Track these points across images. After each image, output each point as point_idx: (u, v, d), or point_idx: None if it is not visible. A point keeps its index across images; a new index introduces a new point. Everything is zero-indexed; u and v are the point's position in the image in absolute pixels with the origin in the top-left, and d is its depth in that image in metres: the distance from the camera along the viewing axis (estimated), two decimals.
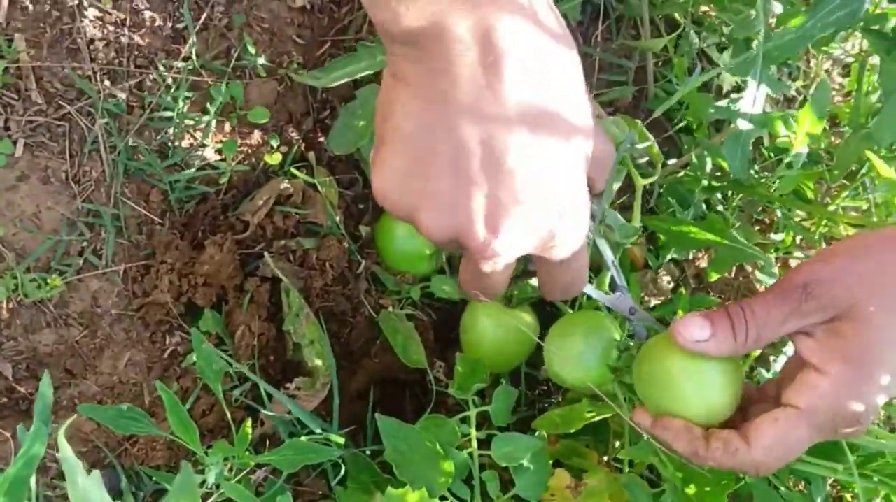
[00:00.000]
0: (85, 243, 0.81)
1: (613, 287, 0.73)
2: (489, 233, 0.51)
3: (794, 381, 0.59)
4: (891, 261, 0.57)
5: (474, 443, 0.73)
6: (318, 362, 0.83)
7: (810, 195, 1.09)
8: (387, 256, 0.93)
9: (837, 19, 0.76)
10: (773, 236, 1.10)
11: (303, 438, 0.72)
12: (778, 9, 0.88)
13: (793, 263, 1.17)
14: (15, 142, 0.79)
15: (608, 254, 0.71)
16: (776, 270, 0.91)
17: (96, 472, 0.52)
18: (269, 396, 0.81)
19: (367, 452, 0.83)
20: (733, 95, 0.82)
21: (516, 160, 0.49)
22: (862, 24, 0.85)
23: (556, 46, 0.50)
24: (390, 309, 0.91)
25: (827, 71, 1.24)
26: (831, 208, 1.04)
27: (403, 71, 0.50)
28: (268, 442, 0.81)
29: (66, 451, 0.51)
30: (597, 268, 0.73)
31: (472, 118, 0.48)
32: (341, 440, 0.74)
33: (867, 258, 0.57)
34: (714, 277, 0.95)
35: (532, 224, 0.52)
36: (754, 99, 0.79)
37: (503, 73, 0.47)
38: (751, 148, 0.82)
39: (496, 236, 0.51)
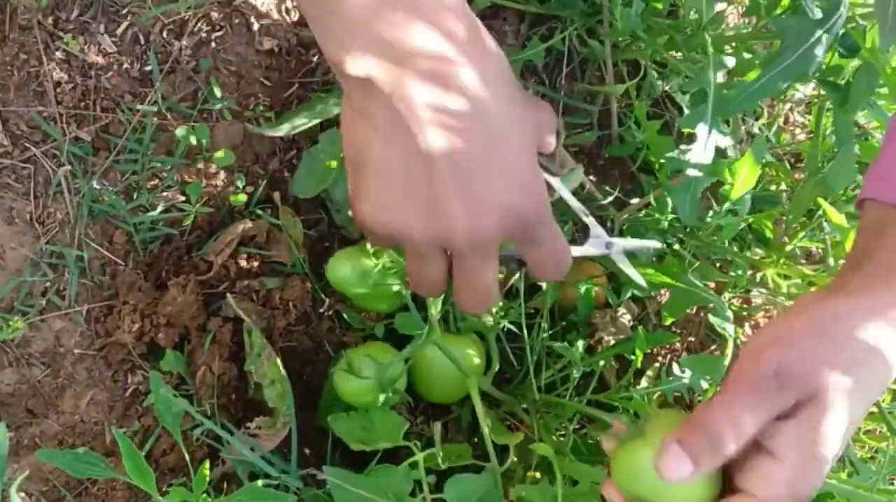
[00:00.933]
0: (48, 284, 0.82)
1: (586, 234, 0.74)
2: (472, 223, 0.57)
3: (750, 469, 0.58)
4: (845, 342, 0.57)
5: (426, 489, 0.74)
6: (279, 402, 0.85)
7: (769, 234, 1.12)
8: (351, 295, 0.94)
9: (789, 75, 0.78)
10: (732, 274, 1.12)
11: (260, 482, 0.73)
12: (731, 62, 0.90)
13: (754, 299, 1.19)
14: None
15: (575, 203, 0.72)
16: (730, 313, 0.93)
17: None
18: (231, 434, 0.82)
19: (328, 491, 0.84)
20: (682, 146, 0.84)
21: (477, 165, 0.55)
22: (818, 75, 0.88)
23: (488, 65, 0.56)
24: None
25: (790, 109, 1.27)
26: (788, 248, 1.07)
27: (361, 105, 0.55)
28: (227, 483, 0.82)
29: None
30: None
31: (433, 138, 0.54)
32: (299, 484, 0.75)
33: (828, 339, 0.57)
34: (668, 321, 0.97)
35: (505, 204, 0.57)
36: (704, 147, 0.81)
37: (456, 101, 0.54)
38: (700, 195, 0.84)
39: (478, 224, 0.57)
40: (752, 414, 0.56)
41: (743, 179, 0.83)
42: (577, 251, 0.72)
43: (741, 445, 0.56)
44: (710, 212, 1.09)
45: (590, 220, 0.73)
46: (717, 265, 1.15)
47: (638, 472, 0.62)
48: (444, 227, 0.57)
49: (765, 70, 0.77)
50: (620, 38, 1.07)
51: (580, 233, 0.75)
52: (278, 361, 0.85)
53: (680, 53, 1.04)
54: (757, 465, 0.57)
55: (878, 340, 0.57)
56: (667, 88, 1.14)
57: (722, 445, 0.56)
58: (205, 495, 0.74)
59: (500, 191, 0.57)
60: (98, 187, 0.83)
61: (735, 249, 1.13)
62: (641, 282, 0.79)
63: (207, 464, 0.74)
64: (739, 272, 1.10)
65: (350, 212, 0.60)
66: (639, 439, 0.64)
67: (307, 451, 0.90)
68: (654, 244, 0.78)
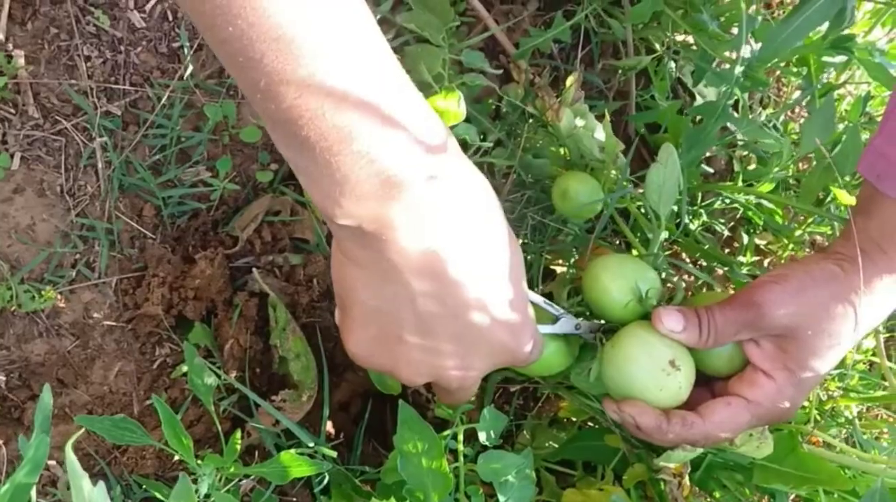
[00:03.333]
0: (78, 255, 0.82)
1: (557, 319, 0.77)
2: (463, 370, 0.63)
3: (743, 378, 0.72)
4: (827, 298, 0.70)
5: (461, 459, 0.75)
6: (304, 375, 0.86)
7: (779, 220, 1.14)
8: None
9: (824, 15, 0.80)
10: (740, 258, 1.14)
11: (292, 451, 0.74)
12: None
13: None
14: (12, 156, 0.81)
15: (536, 297, 0.75)
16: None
17: (101, 483, 0.54)
18: (257, 406, 0.83)
19: (352, 464, 0.85)
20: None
21: (469, 312, 0.60)
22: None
23: (481, 210, 0.59)
24: None
25: (796, 100, 1.29)
26: (797, 233, 1.09)
27: (353, 253, 0.57)
28: (256, 453, 0.83)
29: (73, 463, 0.53)
30: None
31: (426, 289, 0.57)
32: (333, 453, 0.76)
33: (813, 290, 0.70)
34: None
35: (492, 354, 0.64)
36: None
37: (445, 252, 0.56)
38: None
39: (469, 372, 0.63)
40: (730, 326, 0.70)
41: None
42: (546, 329, 0.76)
43: (715, 343, 0.71)
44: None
45: (555, 309, 0.76)
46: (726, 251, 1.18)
47: (629, 370, 0.73)
48: (433, 373, 0.63)
49: (800, 10, 0.78)
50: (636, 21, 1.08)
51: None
52: (303, 335, 0.87)
53: (696, 33, 1.06)
54: (752, 378, 0.71)
55: (856, 303, 0.69)
56: (679, 75, 1.16)
57: (703, 331, 0.70)
58: (236, 463, 0.75)
59: (491, 337, 0.62)
60: (128, 161, 0.84)
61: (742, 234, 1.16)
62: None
63: (239, 434, 0.75)
64: (743, 258, 1.12)
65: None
66: (628, 341, 0.73)
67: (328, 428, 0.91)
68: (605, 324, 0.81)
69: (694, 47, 1.16)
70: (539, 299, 0.76)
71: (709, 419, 0.71)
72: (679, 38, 1.16)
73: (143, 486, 0.80)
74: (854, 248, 0.71)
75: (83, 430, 0.66)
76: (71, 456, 0.53)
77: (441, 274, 0.57)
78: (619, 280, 0.77)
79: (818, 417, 1.00)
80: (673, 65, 1.15)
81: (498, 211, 0.61)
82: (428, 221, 0.55)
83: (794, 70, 1.17)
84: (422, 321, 0.59)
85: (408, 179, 0.53)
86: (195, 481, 0.70)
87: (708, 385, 0.77)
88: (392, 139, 0.52)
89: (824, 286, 0.70)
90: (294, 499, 0.86)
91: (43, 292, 0.80)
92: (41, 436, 0.58)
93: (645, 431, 0.71)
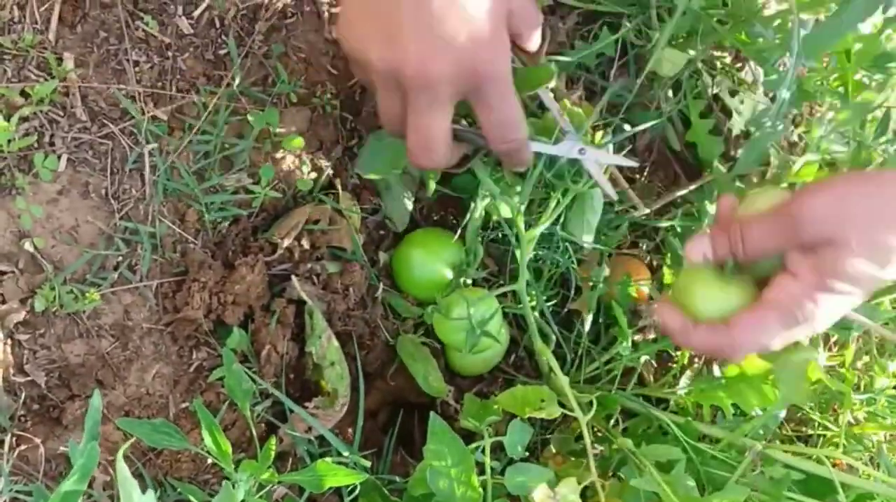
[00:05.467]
0: (120, 258, 0.83)
1: (560, 139, 0.76)
2: (422, 60, 0.66)
3: (772, 282, 0.68)
4: (873, 207, 0.64)
5: (488, 472, 0.76)
6: (338, 383, 0.87)
7: None
8: (405, 282, 0.96)
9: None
10: None
11: (328, 459, 0.75)
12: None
13: None
14: (59, 158, 0.82)
15: (552, 103, 0.73)
16: None
17: (150, 491, 0.55)
18: (291, 412, 0.84)
19: (381, 473, 0.86)
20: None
21: (444, 10, 0.65)
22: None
23: None
24: (408, 334, 0.94)
25: (830, 119, 1.28)
26: None
27: None
28: (290, 460, 0.84)
29: (124, 472, 0.54)
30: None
31: None
32: (367, 463, 0.77)
33: (857, 199, 0.65)
34: None
35: (457, 54, 0.66)
36: (787, 84, 0.86)
37: None
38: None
39: (430, 63, 0.66)
40: (766, 245, 0.67)
41: None
42: (541, 147, 0.74)
43: (750, 255, 0.68)
44: None
45: (564, 122, 0.74)
46: None
47: (694, 288, 0.71)
48: (396, 59, 0.66)
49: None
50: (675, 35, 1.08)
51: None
52: (338, 343, 0.88)
53: (745, 49, 1.06)
54: (780, 278, 0.67)
55: None
56: (716, 91, 1.16)
57: (735, 248, 0.68)
58: (270, 470, 0.76)
59: (456, 40, 0.66)
60: (173, 166, 0.85)
61: None
62: (612, 193, 0.81)
63: (274, 441, 0.76)
64: None
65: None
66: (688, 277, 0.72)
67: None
68: (630, 162, 0.79)
69: (729, 60, 1.16)
70: (553, 104, 0.73)
71: (734, 326, 0.68)
72: (716, 53, 1.16)
73: (178, 489, 0.81)
74: None
75: (133, 439, 0.67)
76: (122, 466, 0.54)
77: None
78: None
79: (845, 442, 1.00)
80: (710, 80, 1.16)
81: None
82: None
83: (833, 85, 1.17)
84: (394, 9, 0.65)
85: None
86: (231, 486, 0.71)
87: None
88: None
89: (868, 195, 0.65)
90: None
91: (87, 294, 0.81)
92: (91, 444, 0.59)
93: (671, 331, 0.71)
